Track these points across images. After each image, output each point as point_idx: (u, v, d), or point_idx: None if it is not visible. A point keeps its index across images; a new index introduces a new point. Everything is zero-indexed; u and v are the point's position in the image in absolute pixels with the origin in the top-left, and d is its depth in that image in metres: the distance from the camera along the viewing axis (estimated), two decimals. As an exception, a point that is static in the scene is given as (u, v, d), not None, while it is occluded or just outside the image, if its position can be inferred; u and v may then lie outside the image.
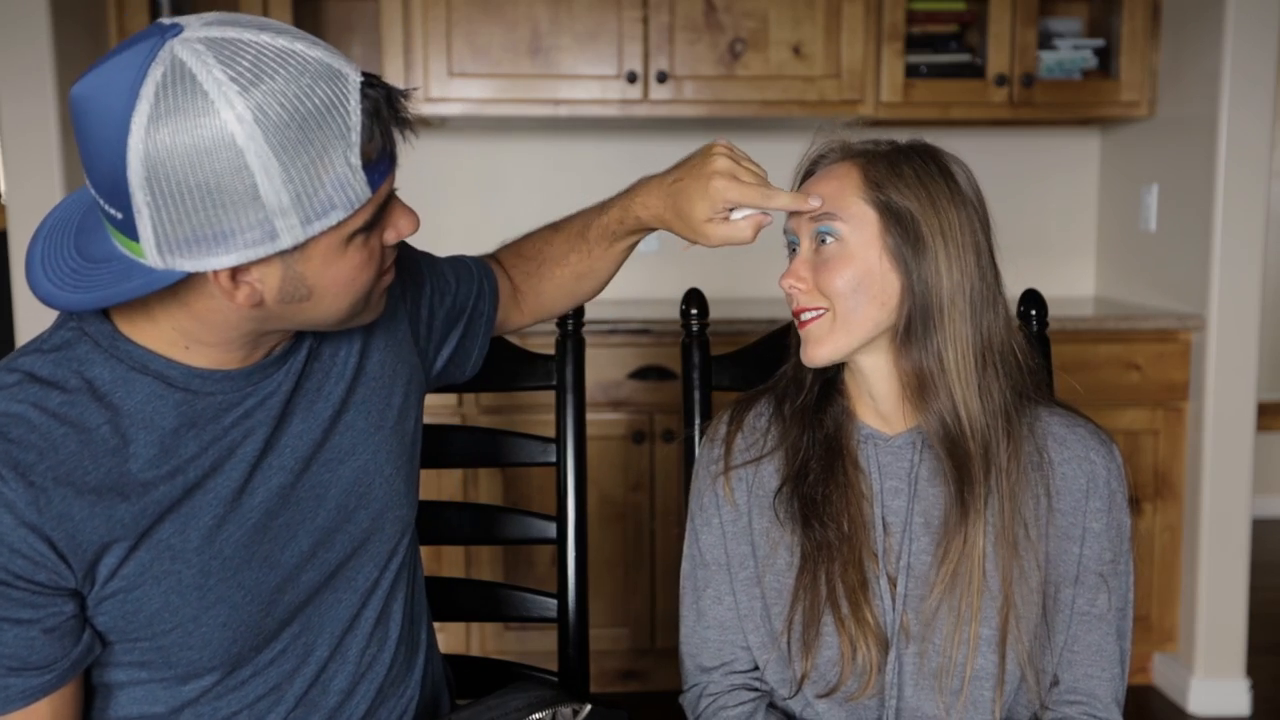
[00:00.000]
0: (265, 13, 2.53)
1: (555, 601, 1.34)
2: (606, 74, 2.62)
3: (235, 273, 0.82)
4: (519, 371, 1.38)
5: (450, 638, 2.53)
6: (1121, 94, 2.70)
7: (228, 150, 0.75)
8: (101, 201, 0.79)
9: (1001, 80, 2.66)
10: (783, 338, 1.24)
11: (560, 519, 1.35)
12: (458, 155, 2.97)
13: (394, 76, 2.57)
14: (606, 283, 1.26)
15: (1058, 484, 1.06)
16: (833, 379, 1.12)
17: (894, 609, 1.05)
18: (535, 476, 2.50)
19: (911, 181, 1.02)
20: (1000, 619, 1.02)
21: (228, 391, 0.91)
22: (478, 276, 1.20)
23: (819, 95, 2.65)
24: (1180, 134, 2.60)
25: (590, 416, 1.44)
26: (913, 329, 1.02)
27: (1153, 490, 2.60)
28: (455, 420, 2.47)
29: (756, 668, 1.12)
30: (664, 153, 2.95)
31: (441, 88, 2.60)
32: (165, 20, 0.78)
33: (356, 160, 0.80)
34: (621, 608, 2.59)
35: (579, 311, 1.37)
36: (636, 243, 1.20)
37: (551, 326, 1.37)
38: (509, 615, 1.38)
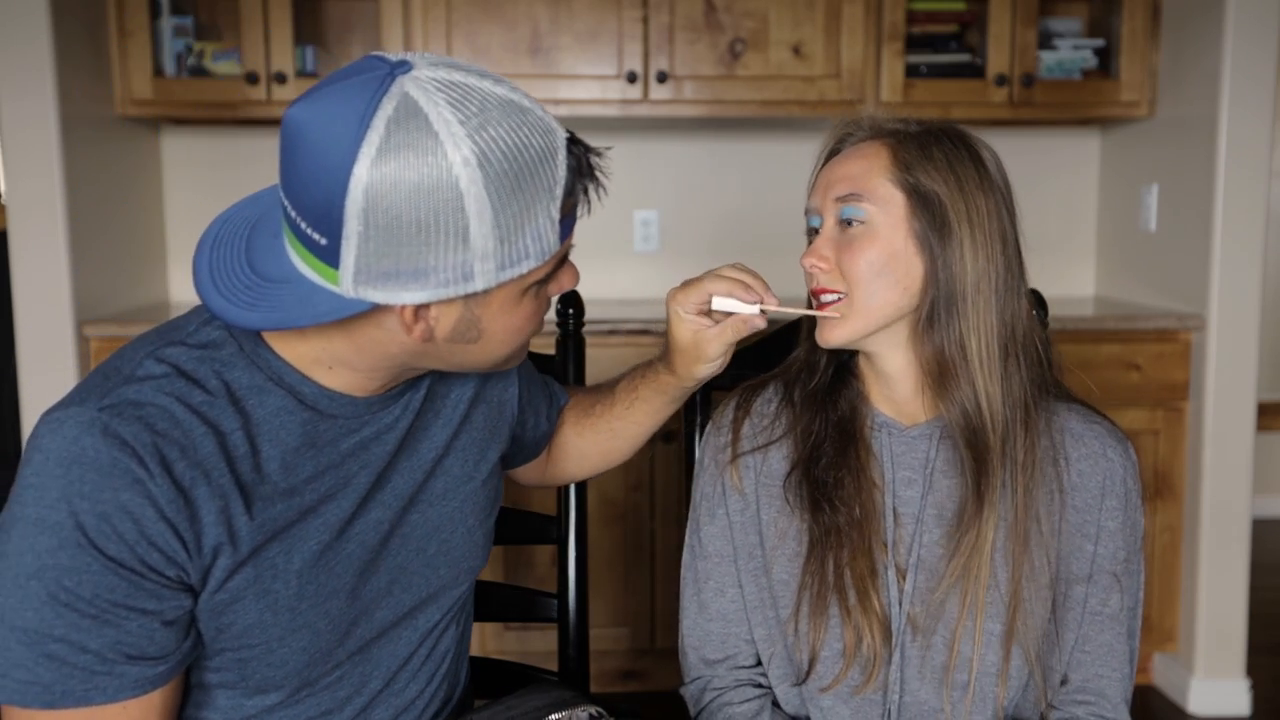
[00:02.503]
0: (265, 13, 2.54)
1: (555, 601, 1.34)
2: (606, 74, 2.62)
3: (418, 308, 0.82)
4: (519, 371, 1.37)
5: (450, 638, 2.53)
6: (1121, 94, 2.70)
7: (449, 191, 0.76)
8: (305, 225, 0.79)
9: (1001, 80, 2.66)
10: (784, 336, 1.23)
11: (560, 519, 1.35)
12: (458, 155, 2.96)
13: (394, 76, 2.57)
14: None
15: (1073, 480, 1.05)
16: (846, 362, 1.10)
17: (901, 601, 1.03)
18: (535, 476, 2.50)
19: (941, 165, 1.00)
20: (1008, 615, 1.01)
21: (349, 416, 0.92)
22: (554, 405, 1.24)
23: (819, 95, 2.65)
24: (1180, 134, 2.60)
25: (590, 416, 1.43)
26: (935, 315, 1.00)
27: (1153, 490, 2.59)
28: (455, 420, 2.47)
29: (760, 663, 1.11)
30: (664, 153, 2.98)
31: (441, 88, 2.60)
32: (390, 56, 0.79)
33: (556, 213, 0.82)
34: (621, 608, 2.59)
35: (579, 311, 1.36)
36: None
37: (552, 327, 1.36)
38: (509, 615, 1.38)
